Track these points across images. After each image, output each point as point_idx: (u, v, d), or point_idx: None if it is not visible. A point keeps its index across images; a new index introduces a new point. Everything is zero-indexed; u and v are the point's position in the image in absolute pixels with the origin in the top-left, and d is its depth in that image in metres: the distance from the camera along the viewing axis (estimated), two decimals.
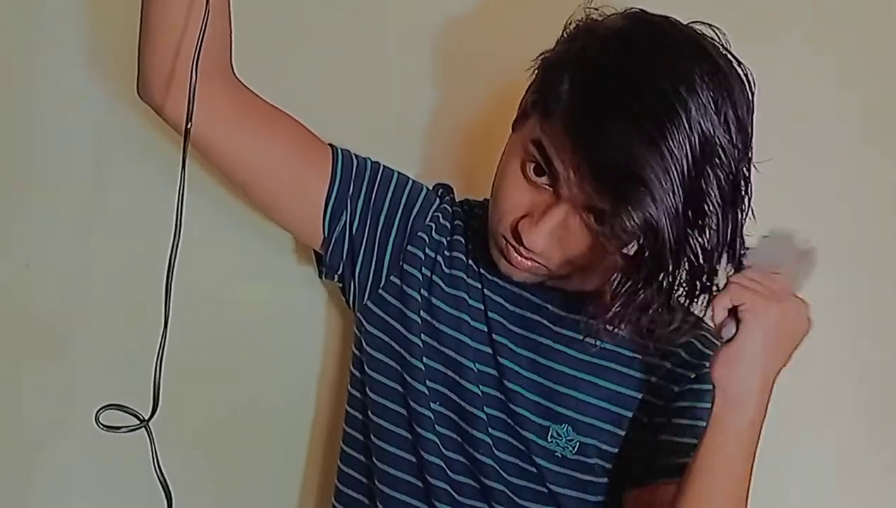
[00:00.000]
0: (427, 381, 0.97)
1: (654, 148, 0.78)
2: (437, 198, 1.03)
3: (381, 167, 1.01)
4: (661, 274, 0.81)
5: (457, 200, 1.06)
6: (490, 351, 0.97)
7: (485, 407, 0.97)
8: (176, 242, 0.86)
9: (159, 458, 0.86)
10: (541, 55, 0.90)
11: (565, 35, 0.89)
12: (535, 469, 0.97)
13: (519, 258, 0.91)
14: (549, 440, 0.96)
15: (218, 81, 0.90)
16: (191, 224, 1.12)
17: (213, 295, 1.15)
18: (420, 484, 0.99)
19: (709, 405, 0.90)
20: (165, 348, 0.85)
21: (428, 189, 1.04)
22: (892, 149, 1.17)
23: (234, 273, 1.16)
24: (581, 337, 0.95)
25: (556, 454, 0.96)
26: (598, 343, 0.94)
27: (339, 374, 1.18)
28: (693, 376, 0.97)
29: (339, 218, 0.98)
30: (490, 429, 0.97)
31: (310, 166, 0.97)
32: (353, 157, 1.00)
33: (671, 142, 0.79)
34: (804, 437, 1.17)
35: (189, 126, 0.84)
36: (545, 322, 0.98)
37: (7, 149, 1.12)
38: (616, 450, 0.97)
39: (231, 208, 1.12)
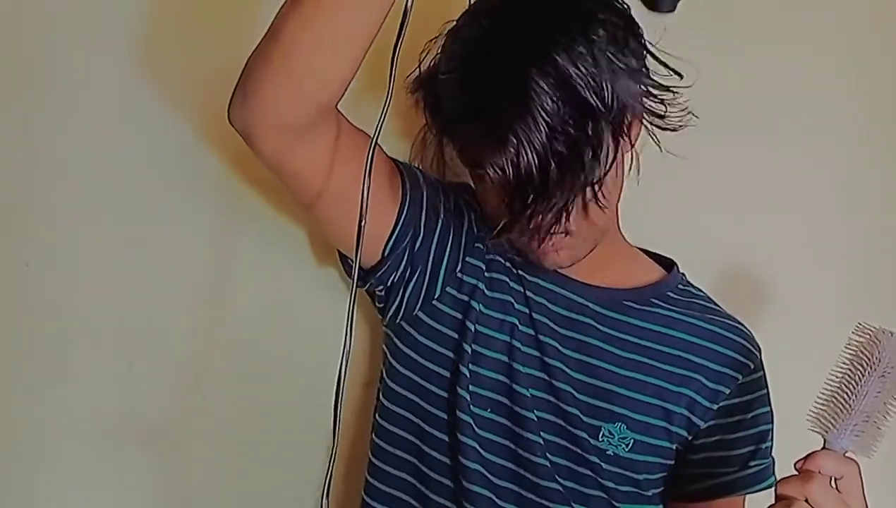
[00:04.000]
0: (470, 387, 0.97)
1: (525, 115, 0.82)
2: (468, 206, 1.03)
3: (430, 178, 1.00)
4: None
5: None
6: (538, 353, 0.98)
7: (535, 410, 0.97)
8: (345, 357, 0.83)
9: None
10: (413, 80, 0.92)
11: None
12: (587, 470, 0.97)
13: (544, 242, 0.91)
14: (601, 439, 0.97)
15: (334, 118, 0.87)
16: (210, 228, 1.13)
17: (236, 300, 1.15)
18: (454, 487, 0.99)
19: (761, 411, 0.96)
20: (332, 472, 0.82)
21: (458, 195, 1.03)
22: (893, 149, 1.17)
23: (256, 277, 1.15)
24: (627, 337, 0.98)
25: (608, 452, 0.97)
26: (640, 341, 0.98)
27: (366, 373, 1.17)
28: (740, 378, 1.00)
29: (404, 237, 0.96)
30: (542, 432, 0.97)
31: (385, 189, 0.94)
32: (415, 173, 0.98)
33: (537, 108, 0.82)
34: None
35: (357, 264, 0.84)
36: (591, 322, 0.99)
37: (7, 149, 1.12)
38: (668, 445, 0.99)
39: (250, 212, 1.12)
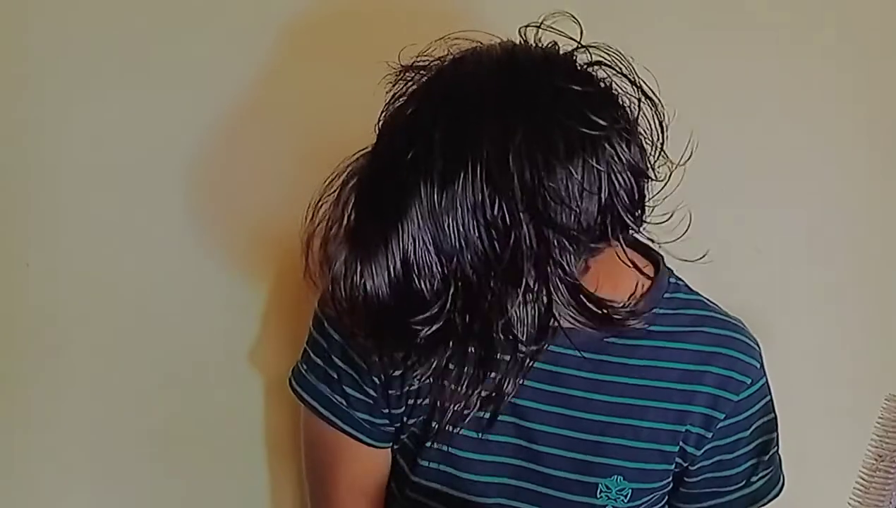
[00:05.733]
0: (412, 478, 0.95)
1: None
2: (337, 342, 0.97)
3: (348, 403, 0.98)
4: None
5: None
6: (512, 419, 0.91)
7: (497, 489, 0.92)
8: None
9: None
10: None
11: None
12: None
13: None
14: (599, 495, 0.91)
15: None
16: (211, 228, 1.13)
17: (238, 301, 1.15)
18: None
19: (762, 421, 0.92)
20: None
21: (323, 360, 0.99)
22: (893, 149, 1.17)
23: (256, 280, 1.15)
24: (614, 379, 0.91)
25: (608, 507, 0.91)
26: (628, 380, 0.91)
27: None
28: (736, 398, 0.92)
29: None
30: (520, 502, 0.92)
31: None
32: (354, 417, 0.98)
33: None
34: (801, 440, 1.16)
35: None
36: (573, 372, 0.91)
37: (7, 149, 1.12)
38: (667, 481, 0.94)
39: (249, 214, 1.13)
